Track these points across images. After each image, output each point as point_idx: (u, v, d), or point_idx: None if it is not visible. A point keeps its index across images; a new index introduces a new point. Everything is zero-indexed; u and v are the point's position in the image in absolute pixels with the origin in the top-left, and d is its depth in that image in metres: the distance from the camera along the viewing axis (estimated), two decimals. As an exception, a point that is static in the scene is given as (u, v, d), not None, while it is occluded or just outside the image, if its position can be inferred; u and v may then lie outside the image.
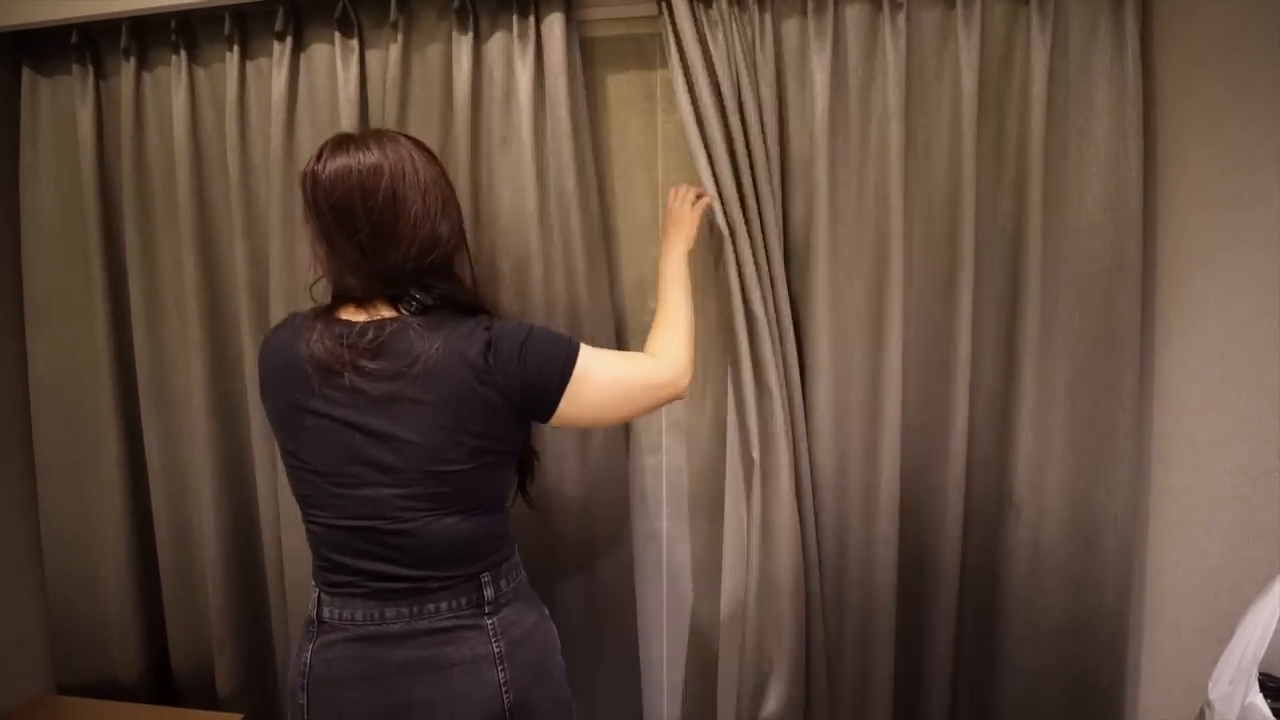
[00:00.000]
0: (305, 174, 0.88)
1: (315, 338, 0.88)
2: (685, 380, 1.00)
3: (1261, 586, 0.86)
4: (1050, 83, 1.14)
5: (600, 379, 0.92)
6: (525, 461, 1.11)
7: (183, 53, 1.33)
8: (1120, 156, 1.13)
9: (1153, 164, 1.14)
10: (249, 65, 1.33)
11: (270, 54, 1.31)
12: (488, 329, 0.89)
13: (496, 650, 0.90)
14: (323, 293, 0.95)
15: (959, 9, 1.15)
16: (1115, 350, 1.16)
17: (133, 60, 1.36)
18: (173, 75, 1.35)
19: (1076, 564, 1.21)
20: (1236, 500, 1.02)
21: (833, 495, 1.26)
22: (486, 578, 0.92)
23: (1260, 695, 0.82)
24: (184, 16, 1.33)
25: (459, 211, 0.96)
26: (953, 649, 1.27)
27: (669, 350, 1.02)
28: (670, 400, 1.00)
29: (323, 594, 0.93)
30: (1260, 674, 0.84)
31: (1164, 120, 1.14)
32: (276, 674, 1.51)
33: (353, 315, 0.91)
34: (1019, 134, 1.17)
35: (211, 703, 1.50)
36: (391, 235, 0.87)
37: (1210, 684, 0.88)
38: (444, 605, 0.90)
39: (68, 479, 1.51)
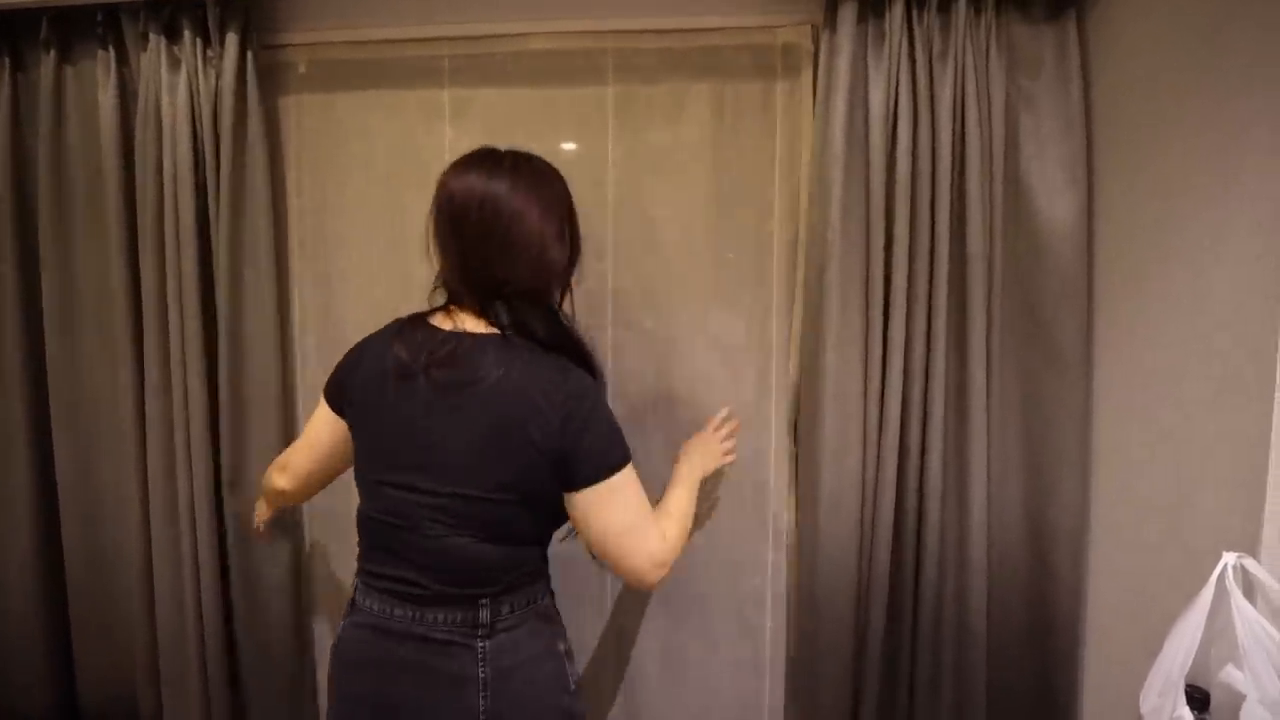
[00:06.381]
0: (441, 179, 0.92)
1: (401, 339, 0.93)
2: (658, 575, 0.94)
3: (1188, 600, 0.88)
4: (1007, 111, 1.17)
5: (621, 505, 0.91)
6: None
7: (110, 49, 1.28)
8: (1068, 182, 1.16)
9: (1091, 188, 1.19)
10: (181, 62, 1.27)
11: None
12: (564, 374, 0.90)
13: (482, 675, 0.90)
14: (439, 297, 0.97)
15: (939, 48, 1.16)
16: (1064, 369, 1.18)
17: (53, 54, 1.30)
18: (99, 71, 1.28)
19: (1032, 581, 1.22)
20: (1164, 514, 1.04)
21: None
22: (485, 601, 0.91)
23: (1187, 708, 0.83)
24: (111, 10, 1.27)
25: (570, 251, 0.98)
26: (926, 660, 1.25)
27: (669, 539, 0.97)
28: (636, 580, 0.94)
29: (357, 579, 0.99)
30: (1187, 686, 0.86)
31: (1095, 146, 1.19)
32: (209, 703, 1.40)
33: (440, 323, 0.94)
34: (977, 159, 1.17)
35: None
36: (492, 255, 0.90)
37: (1141, 697, 0.90)
38: (441, 618, 0.91)
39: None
